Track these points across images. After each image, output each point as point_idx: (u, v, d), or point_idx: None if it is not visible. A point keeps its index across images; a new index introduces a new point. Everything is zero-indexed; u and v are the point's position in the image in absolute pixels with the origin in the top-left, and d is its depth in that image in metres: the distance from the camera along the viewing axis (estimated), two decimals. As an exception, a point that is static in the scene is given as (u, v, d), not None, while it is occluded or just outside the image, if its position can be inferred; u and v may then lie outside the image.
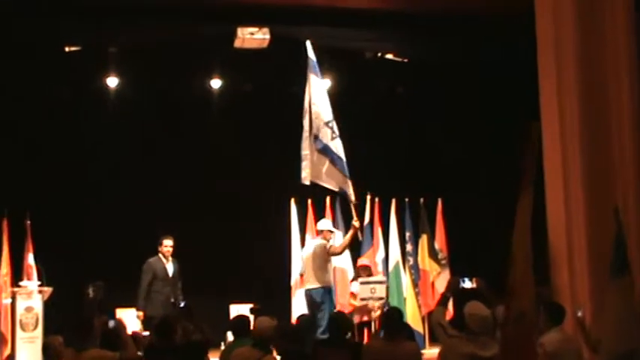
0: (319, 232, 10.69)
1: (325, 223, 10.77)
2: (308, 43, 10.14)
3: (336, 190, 10.20)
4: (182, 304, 10.01)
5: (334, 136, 10.13)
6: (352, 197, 10.18)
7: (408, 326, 7.69)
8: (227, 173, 12.46)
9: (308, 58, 10.34)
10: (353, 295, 10.68)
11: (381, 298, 10.50)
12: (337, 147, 10.16)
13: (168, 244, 10.42)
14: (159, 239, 10.44)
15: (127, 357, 6.51)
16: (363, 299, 10.52)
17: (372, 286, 10.53)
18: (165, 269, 10.37)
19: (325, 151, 10.10)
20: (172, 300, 10.23)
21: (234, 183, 12.36)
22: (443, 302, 6.41)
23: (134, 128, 12.36)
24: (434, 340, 10.43)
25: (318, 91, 10.29)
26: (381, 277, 11.17)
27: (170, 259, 10.45)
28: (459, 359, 5.71)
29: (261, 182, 12.24)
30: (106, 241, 11.81)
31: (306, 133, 10.25)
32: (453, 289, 6.66)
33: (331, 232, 10.58)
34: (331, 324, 7.13)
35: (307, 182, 10.17)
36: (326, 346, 6.83)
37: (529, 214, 4.86)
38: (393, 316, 6.93)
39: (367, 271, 10.82)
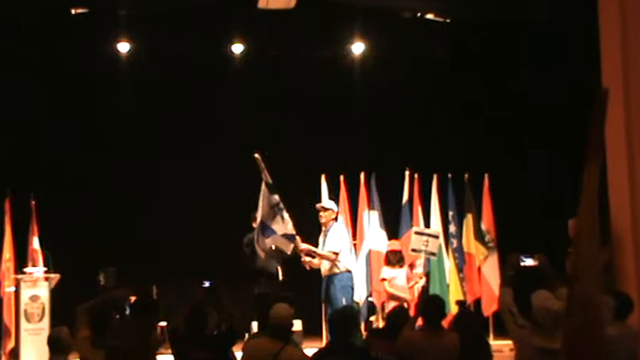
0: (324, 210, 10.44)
1: (325, 201, 10.74)
2: None
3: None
4: (207, 284, 9.93)
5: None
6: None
7: (477, 318, 7.60)
8: (249, 146, 12.27)
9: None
10: (384, 280, 10.52)
11: (432, 254, 10.57)
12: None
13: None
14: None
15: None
16: (413, 250, 10.52)
17: (425, 238, 10.50)
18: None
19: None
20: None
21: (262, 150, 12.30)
22: (506, 282, 6.20)
23: (148, 99, 12.43)
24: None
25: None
26: (435, 231, 11.18)
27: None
28: (531, 352, 5.65)
29: (288, 156, 12.21)
30: (119, 223, 11.96)
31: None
32: (513, 267, 6.50)
33: (328, 210, 10.35)
34: (389, 318, 7.37)
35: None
36: (380, 336, 6.99)
37: (596, 189, 4.60)
38: (434, 304, 6.91)
39: (398, 255, 10.62)
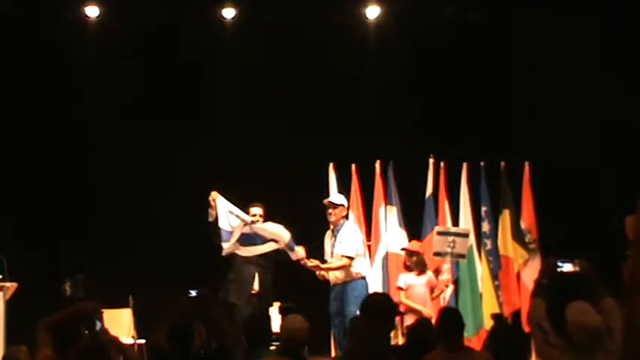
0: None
1: (334, 196, 10.78)
2: None
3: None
4: (194, 293, 9.67)
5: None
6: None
7: (516, 334, 7.62)
8: (243, 128, 12.56)
9: None
10: (400, 289, 10.52)
11: (461, 256, 10.62)
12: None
13: (257, 212, 10.34)
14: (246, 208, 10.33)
15: None
16: (437, 254, 10.59)
17: (451, 238, 10.56)
18: None
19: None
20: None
21: (250, 141, 12.50)
22: (539, 292, 6.21)
23: (121, 70, 12.34)
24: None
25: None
26: (464, 229, 11.24)
27: None
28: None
29: (288, 141, 12.33)
30: (87, 222, 12.02)
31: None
32: (549, 274, 6.54)
33: (338, 206, 10.37)
34: (409, 334, 7.40)
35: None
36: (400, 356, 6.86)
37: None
38: (448, 317, 6.82)
39: (416, 259, 10.59)
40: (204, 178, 11.83)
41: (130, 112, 12.37)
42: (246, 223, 10.01)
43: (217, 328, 7.55)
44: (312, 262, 10.20)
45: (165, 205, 12.15)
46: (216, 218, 9.97)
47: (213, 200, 10.01)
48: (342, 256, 10.15)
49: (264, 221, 10.30)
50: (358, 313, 9.11)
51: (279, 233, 10.07)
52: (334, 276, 10.26)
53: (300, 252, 10.11)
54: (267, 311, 10.09)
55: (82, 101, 12.41)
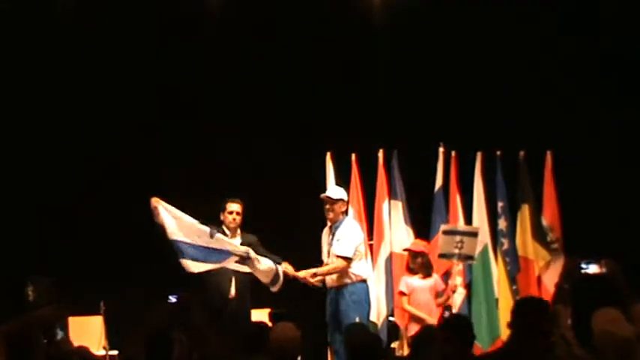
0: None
1: (332, 190, 10.70)
2: None
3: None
4: (173, 299, 10.06)
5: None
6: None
7: None
8: (231, 117, 12.49)
9: None
10: (402, 294, 10.56)
11: (469, 257, 10.59)
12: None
13: (234, 208, 10.29)
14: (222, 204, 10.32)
15: None
16: (442, 256, 10.58)
17: (458, 238, 10.52)
18: None
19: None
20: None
21: (240, 130, 12.44)
22: (561, 298, 6.41)
23: (91, 56, 12.37)
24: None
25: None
26: (472, 227, 11.23)
27: (238, 231, 10.35)
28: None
29: (278, 127, 12.32)
30: (55, 220, 11.98)
31: None
32: (572, 276, 6.34)
33: (337, 201, 10.26)
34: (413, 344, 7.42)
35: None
36: None
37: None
38: (455, 325, 6.84)
39: (421, 259, 10.59)
40: (184, 173, 12.19)
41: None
42: (240, 258, 9.87)
43: (200, 337, 7.76)
44: (301, 275, 10.11)
45: (141, 205, 11.75)
46: (164, 229, 9.81)
47: (155, 208, 9.84)
48: (338, 256, 10.06)
49: (242, 218, 10.30)
50: (357, 319, 9.64)
51: (264, 273, 9.99)
52: (330, 278, 10.22)
53: (279, 280, 10.00)
54: (248, 317, 10.04)
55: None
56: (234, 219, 10.25)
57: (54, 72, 12.25)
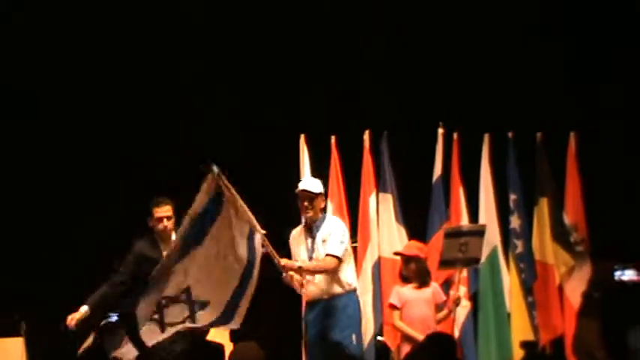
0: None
1: (307, 182, 10.40)
2: None
3: None
4: (113, 318, 9.63)
5: None
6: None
7: None
8: (210, 94, 12.48)
9: None
10: (393, 307, 10.35)
11: (474, 260, 10.51)
12: None
13: (163, 213, 9.92)
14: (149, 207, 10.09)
15: None
16: (444, 263, 10.37)
17: (462, 239, 10.32)
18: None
19: None
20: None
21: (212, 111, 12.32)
22: (589, 310, 6.40)
23: (62, 46, 12.28)
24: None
25: None
26: (477, 225, 11.16)
27: (173, 237, 9.94)
28: None
29: (246, 106, 12.27)
30: None
31: None
32: (602, 284, 6.80)
33: (316, 196, 9.94)
34: None
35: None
36: None
37: None
38: (436, 345, 6.93)
39: (415, 265, 10.30)
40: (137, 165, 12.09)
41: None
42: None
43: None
44: (285, 263, 9.48)
45: (76, 211, 12.15)
46: None
47: None
48: (328, 254, 9.69)
49: (176, 222, 9.78)
50: (354, 340, 9.77)
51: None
52: (317, 287, 9.82)
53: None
54: (203, 335, 9.55)
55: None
56: (164, 226, 9.83)
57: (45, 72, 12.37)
